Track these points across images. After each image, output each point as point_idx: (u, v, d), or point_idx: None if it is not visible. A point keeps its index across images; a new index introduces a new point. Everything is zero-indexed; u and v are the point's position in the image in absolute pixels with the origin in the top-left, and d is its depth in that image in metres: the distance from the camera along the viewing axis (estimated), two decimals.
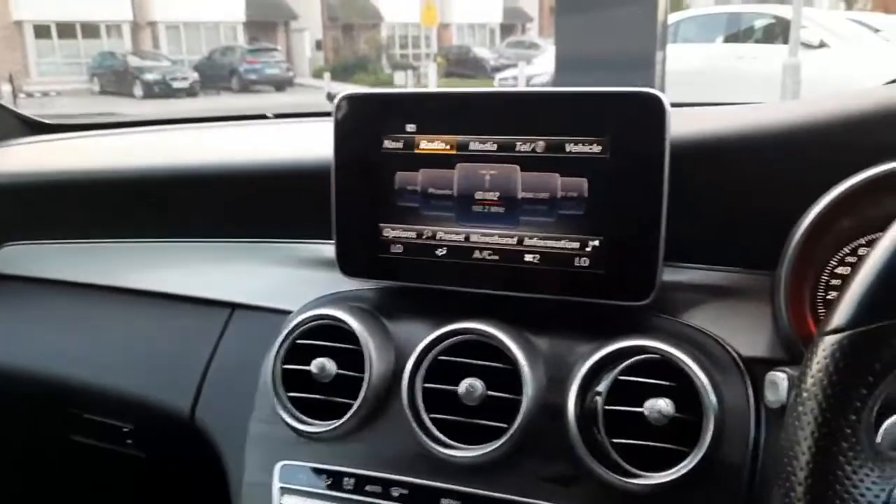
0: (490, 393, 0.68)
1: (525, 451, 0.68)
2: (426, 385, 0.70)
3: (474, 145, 0.70)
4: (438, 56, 22.56)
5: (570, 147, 0.67)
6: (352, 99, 0.75)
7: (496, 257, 0.71)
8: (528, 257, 0.70)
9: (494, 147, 0.70)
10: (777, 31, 8.91)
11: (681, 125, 0.69)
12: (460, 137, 0.71)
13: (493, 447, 0.67)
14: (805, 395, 0.41)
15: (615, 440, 0.64)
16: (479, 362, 0.69)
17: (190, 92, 17.10)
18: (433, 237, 0.73)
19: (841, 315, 0.41)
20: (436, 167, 0.72)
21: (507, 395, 0.67)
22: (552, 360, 0.70)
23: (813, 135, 0.66)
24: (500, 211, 0.71)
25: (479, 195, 0.71)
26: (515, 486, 0.68)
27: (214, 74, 18.60)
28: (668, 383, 0.64)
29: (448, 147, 0.71)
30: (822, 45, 8.40)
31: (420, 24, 20.70)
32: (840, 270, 0.74)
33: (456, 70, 20.92)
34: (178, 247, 0.96)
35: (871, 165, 0.62)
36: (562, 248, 0.69)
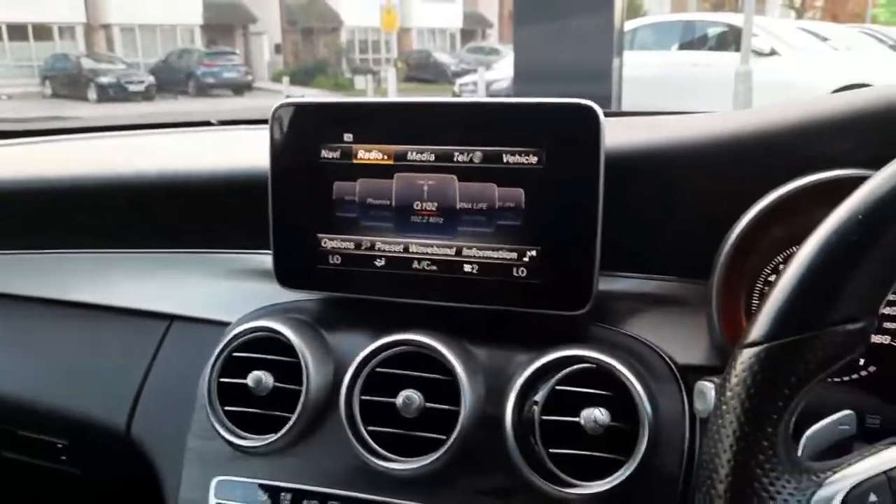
0: (428, 405, 0.67)
1: (464, 462, 0.67)
2: (364, 397, 0.69)
3: (412, 155, 0.70)
4: (399, 61, 22.56)
5: (507, 158, 0.67)
6: (288, 108, 0.74)
7: (435, 268, 0.71)
8: (466, 268, 0.70)
9: (432, 157, 0.69)
10: (730, 39, 9.09)
11: (617, 135, 0.69)
12: (398, 147, 0.70)
13: (431, 459, 0.66)
14: (724, 407, 0.41)
15: (552, 450, 0.64)
16: (418, 374, 0.68)
17: (146, 96, 16.82)
18: (372, 248, 0.72)
19: (759, 328, 0.41)
20: (374, 177, 0.71)
21: (445, 407, 0.67)
22: (491, 370, 0.70)
23: (746, 145, 0.66)
24: (439, 221, 0.70)
25: (417, 205, 0.71)
26: (454, 498, 0.67)
27: (171, 78, 18.32)
28: (604, 392, 0.64)
29: (386, 157, 0.71)
30: (772, 52, 8.61)
31: (380, 28, 20.65)
32: (773, 279, 0.75)
33: (416, 75, 20.94)
34: (114, 257, 0.94)
35: (801, 175, 0.63)
36: (500, 259, 0.69)
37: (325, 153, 0.72)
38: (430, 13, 26.39)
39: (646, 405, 0.63)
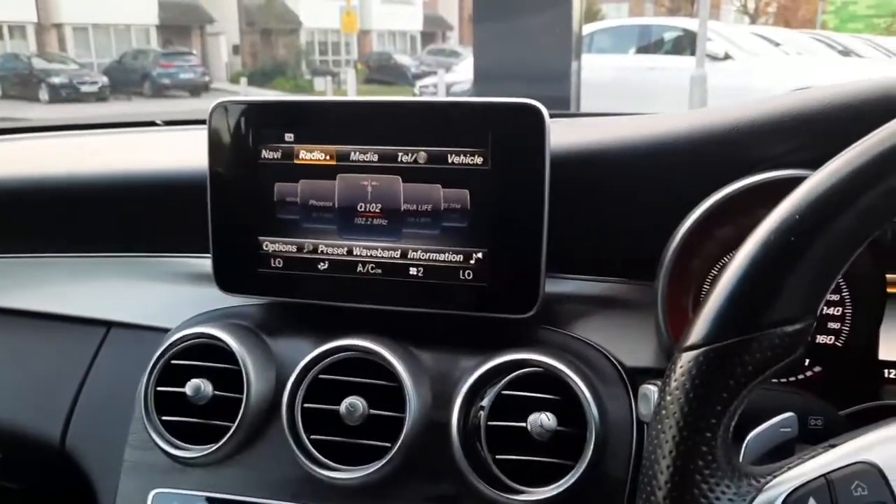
0: (373, 411, 0.65)
1: (410, 470, 0.65)
2: (307, 405, 0.67)
3: (355, 156, 0.68)
4: (359, 63, 22.44)
5: (451, 158, 0.66)
6: (227, 106, 0.71)
7: (379, 271, 0.69)
8: (412, 271, 0.68)
9: (376, 158, 0.68)
10: (685, 44, 9.23)
11: (564, 136, 0.68)
12: (341, 147, 0.68)
13: (375, 467, 0.64)
14: (663, 412, 0.40)
15: (498, 456, 0.63)
16: (362, 380, 0.66)
17: (100, 96, 16.46)
18: (315, 251, 0.70)
19: (697, 331, 0.41)
20: (316, 178, 0.69)
21: (390, 414, 0.65)
22: (438, 375, 0.68)
23: (690, 147, 0.66)
24: (383, 223, 0.68)
25: (361, 207, 0.69)
26: None
27: (126, 79, 17.95)
28: (552, 396, 0.63)
29: (328, 157, 0.69)
30: (727, 57, 8.76)
31: (340, 30, 20.52)
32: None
33: (377, 77, 20.86)
34: (48, 262, 0.90)
35: (745, 176, 0.63)
36: (446, 261, 0.67)
37: (265, 154, 0.70)
38: (390, 15, 26.32)
39: (593, 409, 0.62)
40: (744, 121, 0.64)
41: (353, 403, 0.65)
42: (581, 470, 0.61)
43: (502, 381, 0.64)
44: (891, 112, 0.42)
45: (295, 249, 0.71)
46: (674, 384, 0.40)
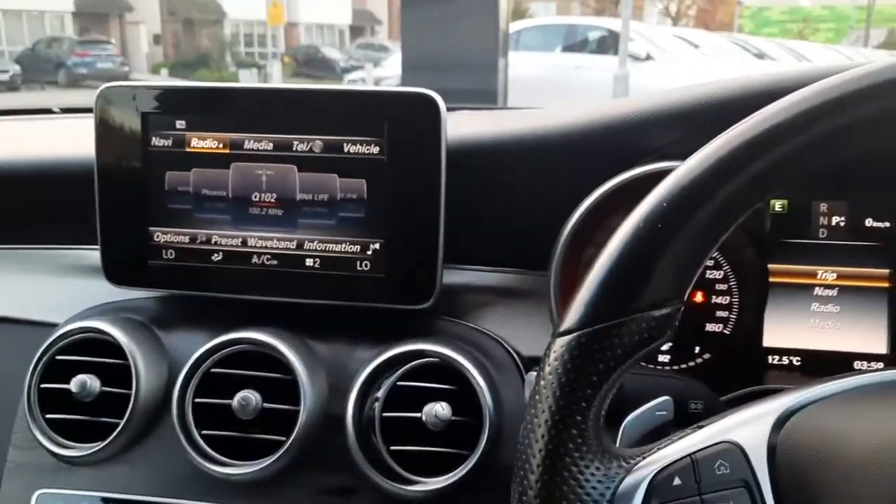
0: (267, 405, 0.64)
1: (304, 463, 0.65)
2: (198, 400, 0.65)
3: (249, 144, 0.67)
4: (286, 56, 22.06)
5: (348, 147, 0.65)
6: (114, 91, 0.69)
7: (275, 262, 0.68)
8: (308, 262, 0.67)
9: (270, 146, 0.66)
10: (609, 43, 9.44)
11: (461, 127, 0.69)
12: (234, 135, 0.67)
13: (269, 462, 0.63)
14: (537, 397, 0.41)
15: (393, 447, 0.63)
16: (255, 373, 0.65)
17: (10, 86, 15.69)
18: (208, 241, 0.69)
19: (570, 317, 0.41)
20: (209, 167, 0.68)
21: (284, 407, 0.64)
22: (334, 367, 0.67)
23: (581, 138, 0.67)
24: (279, 213, 0.67)
25: (255, 197, 0.67)
26: (294, 499, 0.65)
27: (39, 67, 17.17)
28: (448, 387, 0.64)
29: (221, 145, 0.67)
30: (648, 57, 9.00)
31: (266, 22, 20.13)
32: None
33: (304, 70, 20.56)
34: None
35: (634, 167, 0.64)
36: (342, 252, 0.67)
37: (155, 141, 0.68)
38: (318, 8, 25.97)
39: (487, 399, 0.62)
40: (633, 114, 0.65)
41: (246, 397, 0.63)
42: (475, 459, 0.62)
43: (397, 373, 0.64)
44: (755, 106, 0.43)
45: (187, 240, 0.69)
46: (547, 369, 0.41)
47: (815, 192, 0.73)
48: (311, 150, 0.66)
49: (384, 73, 11.45)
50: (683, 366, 0.76)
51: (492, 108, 0.81)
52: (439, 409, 0.62)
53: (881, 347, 0.72)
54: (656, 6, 25.76)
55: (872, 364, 0.72)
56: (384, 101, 0.65)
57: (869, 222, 0.72)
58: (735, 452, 0.40)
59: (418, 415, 0.62)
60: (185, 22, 23.88)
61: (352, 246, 0.66)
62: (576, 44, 9.95)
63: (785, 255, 0.73)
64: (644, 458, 0.41)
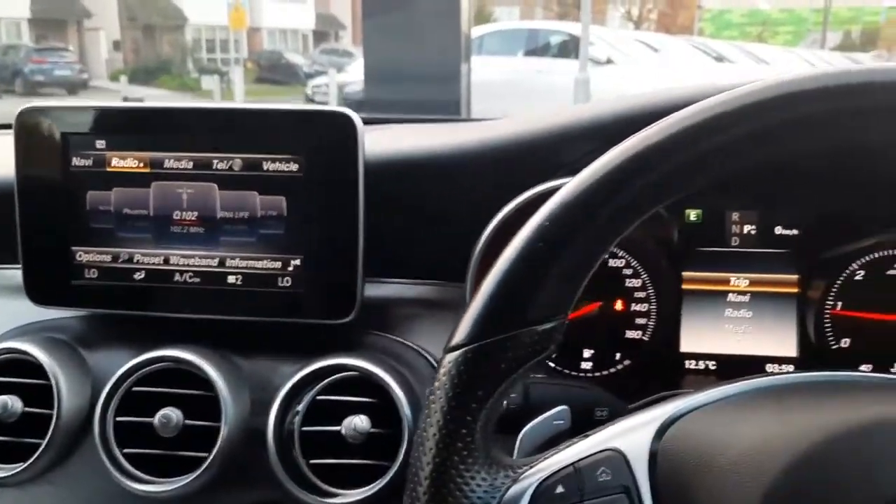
0: (189, 422, 0.65)
1: (227, 479, 0.65)
2: (120, 418, 0.65)
3: (169, 163, 0.67)
4: (249, 61, 21.88)
5: (267, 165, 0.66)
6: (34, 112, 0.69)
7: (197, 280, 0.68)
8: (230, 279, 0.68)
9: (190, 165, 0.67)
10: (571, 48, 9.53)
11: (380, 143, 0.70)
12: (154, 154, 0.67)
13: (191, 478, 0.64)
14: (426, 411, 0.42)
15: (312, 461, 0.63)
16: (177, 391, 0.66)
17: None
18: (130, 260, 0.69)
19: (459, 333, 0.43)
20: (130, 186, 0.68)
21: (205, 423, 0.65)
22: (258, 383, 0.68)
23: (500, 153, 0.69)
24: (200, 231, 0.68)
25: (176, 215, 0.68)
26: None
27: None
28: (368, 399, 0.65)
29: (141, 164, 0.68)
30: (609, 61, 9.11)
31: (228, 27, 19.97)
32: None
33: (268, 76, 20.42)
34: None
35: (549, 180, 0.66)
36: (264, 269, 0.68)
37: (76, 161, 0.68)
38: (281, 13, 25.84)
39: (406, 410, 0.64)
40: (547, 129, 0.67)
41: (167, 415, 0.64)
42: (394, 470, 0.63)
43: (317, 387, 0.65)
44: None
45: (109, 259, 0.69)
46: (437, 384, 0.42)
47: (727, 201, 0.76)
48: (230, 169, 0.67)
49: (348, 79, 11.42)
50: (605, 372, 0.78)
51: (416, 122, 0.82)
52: (358, 422, 0.63)
53: (791, 351, 0.75)
54: (618, 10, 26.07)
55: (783, 367, 0.75)
56: (302, 120, 0.66)
57: (779, 230, 0.75)
58: (617, 459, 0.42)
59: (338, 428, 0.63)
60: (146, 28, 23.58)
61: (273, 262, 0.67)
62: (538, 48, 10.04)
63: (699, 263, 0.76)
64: (531, 467, 0.43)
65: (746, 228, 0.75)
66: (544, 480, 0.42)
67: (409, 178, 0.71)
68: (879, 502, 0.36)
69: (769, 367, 0.75)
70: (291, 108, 0.66)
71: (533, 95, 8.23)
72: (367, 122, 0.93)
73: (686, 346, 0.76)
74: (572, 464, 0.42)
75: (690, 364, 0.76)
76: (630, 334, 0.77)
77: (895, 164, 0.66)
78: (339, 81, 11.64)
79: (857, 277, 0.74)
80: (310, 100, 13.02)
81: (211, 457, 0.64)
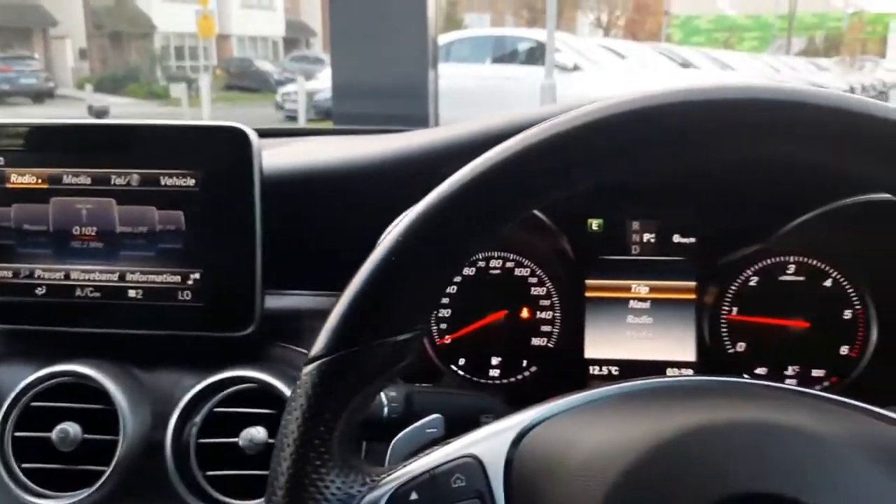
0: (87, 436, 0.65)
1: (125, 492, 0.66)
2: (18, 434, 0.66)
3: (68, 178, 0.68)
4: (218, 69, 21.75)
5: (164, 180, 0.67)
6: None
7: (98, 294, 0.69)
8: (131, 293, 0.69)
9: (89, 180, 0.68)
10: (538, 54, 9.60)
11: (278, 157, 0.71)
12: (52, 170, 0.68)
13: (90, 492, 0.64)
14: (284, 421, 0.43)
15: (210, 472, 0.64)
16: (75, 405, 0.66)
17: None
18: (31, 276, 0.69)
19: (317, 345, 0.44)
20: (29, 202, 0.68)
21: (103, 437, 0.65)
22: (159, 396, 0.69)
23: (395, 166, 0.70)
24: (100, 246, 0.68)
25: (76, 231, 0.68)
26: None
27: None
28: (266, 411, 0.65)
29: (40, 180, 0.68)
30: (576, 68, 9.19)
31: (197, 34, 19.84)
32: (449, 290, 0.80)
33: (237, 83, 20.32)
34: None
35: None
36: (163, 283, 0.68)
37: None
38: (251, 20, 25.73)
39: None
40: (431, 145, 0.69)
41: (64, 429, 0.64)
42: None
43: (214, 399, 0.65)
44: None
45: (10, 275, 0.69)
46: (294, 395, 0.43)
47: (628, 210, 0.78)
48: (128, 184, 0.67)
49: (318, 86, 11.41)
50: (512, 379, 0.79)
51: (312, 134, 0.83)
52: (255, 433, 0.64)
53: (690, 355, 0.77)
54: (588, 17, 26.30)
55: (683, 371, 0.77)
56: (197, 135, 0.67)
57: (676, 238, 0.77)
58: (474, 466, 0.43)
59: (235, 439, 0.64)
60: (113, 35, 23.33)
61: (172, 276, 0.68)
62: (506, 55, 10.10)
63: (602, 271, 0.78)
64: (389, 475, 0.44)
65: (646, 237, 0.78)
66: (400, 487, 0.43)
67: (309, 191, 0.72)
68: (713, 499, 0.38)
69: (669, 372, 0.77)
70: (187, 124, 0.67)
71: (501, 102, 8.28)
72: (296, 133, 0.95)
73: (590, 352, 0.78)
74: (429, 470, 0.43)
75: (594, 370, 0.78)
76: (536, 341, 0.79)
77: (777, 175, 0.69)
78: (309, 89, 11.61)
79: (751, 283, 0.76)
80: (280, 107, 12.97)
81: (109, 470, 0.64)
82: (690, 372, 0.77)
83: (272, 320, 0.70)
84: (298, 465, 0.42)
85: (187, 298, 0.68)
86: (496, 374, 0.79)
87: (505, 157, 0.43)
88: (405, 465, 0.44)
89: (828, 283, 0.75)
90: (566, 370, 0.78)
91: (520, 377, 0.79)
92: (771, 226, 0.74)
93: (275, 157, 0.73)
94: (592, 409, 0.46)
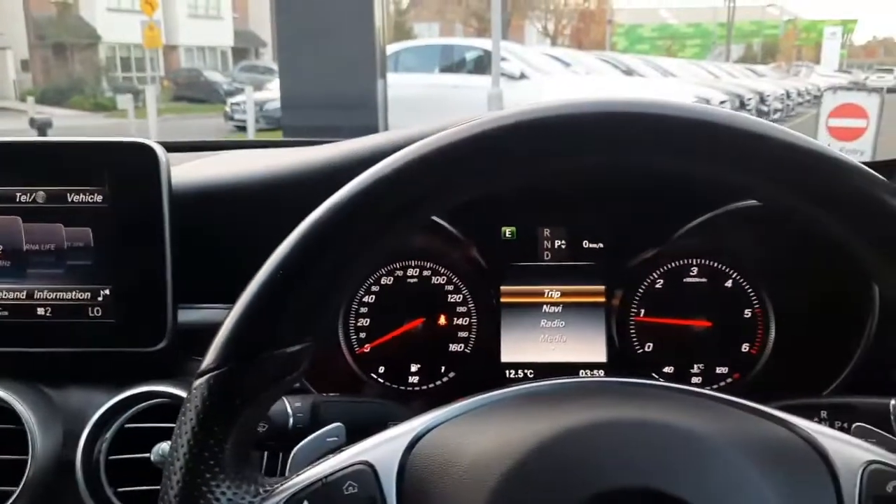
0: None
1: None
2: None
3: None
4: (166, 80, 21.39)
5: (71, 197, 0.67)
6: None
7: (6, 313, 0.68)
8: (39, 311, 0.68)
9: None
10: (486, 63, 9.67)
11: (188, 171, 0.71)
12: None
13: None
14: (176, 433, 0.43)
15: (121, 489, 0.64)
16: None
17: None
18: None
19: (207, 359, 0.44)
20: None
21: (11, 457, 0.65)
22: (71, 414, 0.68)
23: (296, 181, 0.71)
24: (6, 264, 0.68)
25: None
26: None
27: None
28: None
29: None
30: (522, 76, 9.28)
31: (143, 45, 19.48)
32: (367, 299, 0.81)
33: (186, 94, 20.02)
34: None
35: None
36: (73, 300, 0.68)
37: None
38: (199, 31, 25.38)
39: None
40: (338, 156, 0.70)
41: None
42: None
43: (125, 415, 0.65)
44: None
45: None
46: (185, 408, 0.44)
47: (539, 218, 0.80)
48: (34, 201, 0.67)
49: (268, 96, 11.30)
50: (431, 385, 0.81)
51: (221, 147, 0.84)
52: (166, 448, 0.64)
53: (601, 357, 0.79)
54: (536, 26, 26.61)
55: (595, 372, 0.79)
56: (104, 152, 0.67)
57: (586, 244, 0.80)
58: (366, 473, 0.44)
59: (147, 455, 0.64)
60: (56, 46, 22.78)
61: (82, 293, 0.68)
62: (453, 64, 10.15)
63: (515, 278, 0.80)
64: (282, 484, 0.45)
65: (557, 243, 0.80)
66: (292, 496, 0.44)
67: (218, 205, 0.73)
68: (585, 497, 0.39)
69: (582, 373, 0.79)
70: (93, 141, 0.67)
71: (448, 111, 8.31)
72: (212, 147, 0.95)
73: (506, 356, 0.80)
74: (322, 478, 0.44)
75: (511, 373, 0.80)
76: (453, 347, 0.81)
77: (669, 182, 0.71)
78: (259, 98, 11.49)
79: (657, 286, 0.79)
80: (229, 118, 12.81)
81: (19, 490, 0.63)
82: (601, 373, 0.79)
83: (186, 334, 0.70)
84: (188, 478, 0.43)
85: (98, 315, 0.68)
86: (416, 381, 0.81)
87: (380, 177, 0.44)
88: (299, 475, 0.45)
89: (729, 283, 0.78)
90: (484, 375, 0.80)
91: (438, 383, 0.80)
92: (667, 230, 0.77)
93: (186, 171, 0.73)
94: (482, 413, 0.47)
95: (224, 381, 0.44)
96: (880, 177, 0.41)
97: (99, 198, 0.67)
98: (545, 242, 0.80)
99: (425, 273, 0.81)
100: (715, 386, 0.78)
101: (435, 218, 0.75)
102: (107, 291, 0.68)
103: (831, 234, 0.43)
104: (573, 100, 0.42)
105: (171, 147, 1.06)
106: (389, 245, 0.46)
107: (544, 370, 0.80)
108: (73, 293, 0.68)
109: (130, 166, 0.67)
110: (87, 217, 0.67)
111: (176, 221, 0.68)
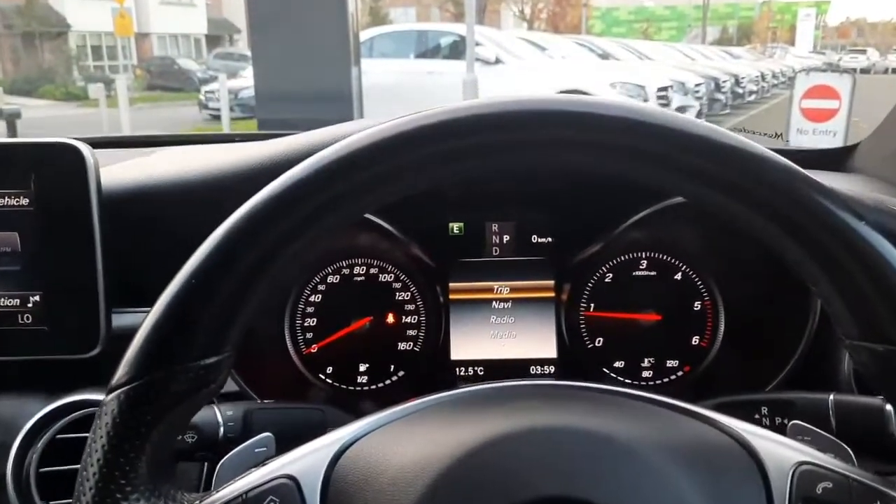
0: None
1: None
2: None
3: None
4: (139, 68, 21.08)
5: None
6: None
7: None
8: None
9: None
10: (461, 49, 9.60)
11: (118, 173, 0.69)
12: None
13: None
14: (88, 449, 0.42)
15: (53, 502, 0.62)
16: None
17: None
18: None
19: (118, 372, 0.43)
20: None
21: None
22: (1, 425, 0.66)
23: (234, 180, 0.69)
24: None
25: None
26: None
27: None
28: None
29: None
30: (497, 61, 9.24)
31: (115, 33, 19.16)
32: (313, 299, 0.80)
33: (160, 83, 19.75)
34: None
35: None
36: (1, 307, 0.66)
37: None
38: (171, 18, 25.00)
39: None
40: (277, 155, 0.68)
41: None
42: None
43: (56, 425, 0.63)
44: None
45: None
46: (97, 423, 0.42)
47: (486, 213, 0.79)
48: None
49: (243, 84, 11.16)
50: (381, 384, 0.80)
51: (148, 145, 0.81)
52: None
53: (552, 352, 0.78)
54: (512, 10, 26.51)
55: (546, 368, 0.79)
56: (28, 154, 0.64)
57: (534, 239, 0.79)
58: (289, 486, 0.43)
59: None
60: (25, 35, 22.33)
61: (10, 300, 0.65)
62: (428, 50, 10.07)
63: (464, 274, 0.79)
64: (201, 501, 0.43)
65: (505, 238, 0.79)
66: None
67: (150, 206, 0.71)
68: (507, 501, 0.38)
69: (533, 370, 0.79)
70: (18, 142, 0.64)
71: (424, 97, 8.26)
72: (147, 143, 0.93)
73: (456, 353, 0.79)
74: (242, 494, 0.43)
75: (461, 371, 0.79)
76: (402, 346, 0.79)
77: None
78: (234, 86, 11.34)
79: (606, 280, 0.78)
80: (203, 106, 12.66)
81: None
82: (552, 369, 0.78)
83: (123, 339, 0.68)
84: (98, 498, 0.41)
85: (28, 322, 0.66)
86: (364, 381, 0.79)
87: (290, 183, 0.43)
88: (220, 490, 0.44)
89: (678, 276, 0.78)
90: (434, 373, 0.79)
91: (388, 382, 0.79)
92: (612, 223, 0.76)
93: (118, 171, 0.71)
94: (407, 422, 0.46)
95: (135, 396, 0.42)
96: (796, 166, 0.40)
97: (25, 201, 0.64)
98: (493, 238, 0.79)
99: (372, 271, 0.79)
100: (665, 379, 0.78)
101: (371, 217, 0.73)
102: (37, 297, 0.66)
103: (755, 232, 0.42)
104: (514, 98, 0.41)
105: (119, 143, 1.04)
106: (306, 252, 0.44)
107: (495, 367, 0.79)
108: (2, 300, 0.66)
109: (57, 167, 0.64)
110: (13, 221, 0.65)
111: (107, 223, 0.66)
